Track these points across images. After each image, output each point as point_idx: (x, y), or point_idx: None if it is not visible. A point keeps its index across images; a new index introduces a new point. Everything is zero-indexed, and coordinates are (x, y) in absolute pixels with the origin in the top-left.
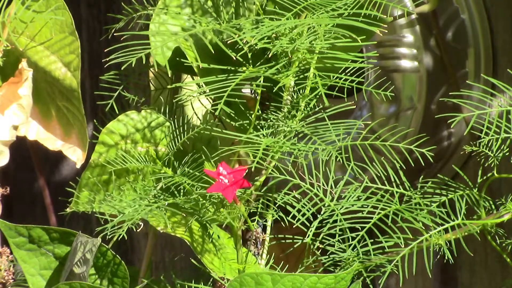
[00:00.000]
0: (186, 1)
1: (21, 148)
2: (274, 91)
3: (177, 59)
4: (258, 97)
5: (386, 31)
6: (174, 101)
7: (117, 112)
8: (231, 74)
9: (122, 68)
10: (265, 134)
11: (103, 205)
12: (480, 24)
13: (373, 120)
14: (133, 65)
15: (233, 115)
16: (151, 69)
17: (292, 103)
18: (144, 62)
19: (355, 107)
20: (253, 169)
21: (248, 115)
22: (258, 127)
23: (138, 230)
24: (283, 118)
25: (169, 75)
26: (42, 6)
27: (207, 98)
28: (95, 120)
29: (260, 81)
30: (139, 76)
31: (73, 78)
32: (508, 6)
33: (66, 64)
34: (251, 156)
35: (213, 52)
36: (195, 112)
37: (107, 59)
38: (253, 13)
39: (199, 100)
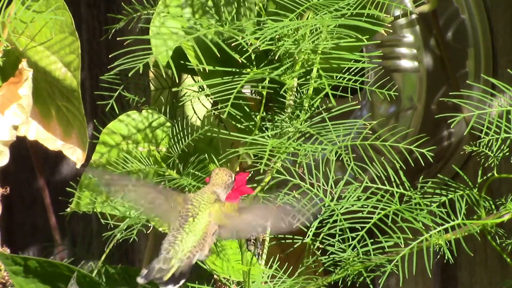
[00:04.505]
0: (187, 1)
1: (21, 148)
2: (280, 92)
3: (180, 60)
4: (264, 99)
5: (391, 30)
6: (177, 103)
7: (117, 112)
8: (235, 76)
9: (129, 74)
10: (270, 136)
11: (105, 206)
12: (480, 24)
13: (373, 120)
14: (140, 71)
15: (238, 117)
16: (151, 69)
17: (296, 104)
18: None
19: (359, 107)
20: (261, 171)
21: (252, 116)
22: (263, 128)
23: (148, 232)
24: (287, 119)
25: (172, 76)
26: (42, 6)
27: (208, 100)
28: (95, 120)
29: (265, 83)
30: (139, 76)
31: (73, 78)
32: (508, 7)
33: (66, 64)
34: (252, 156)
35: (216, 53)
36: (195, 113)
37: (111, 66)
38: (254, 13)
39: (200, 101)
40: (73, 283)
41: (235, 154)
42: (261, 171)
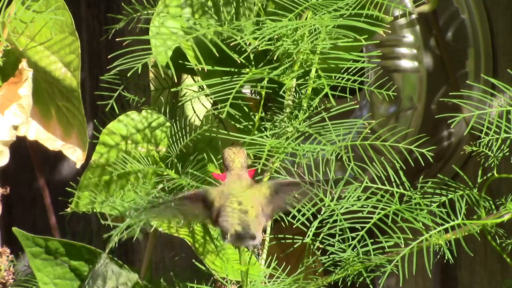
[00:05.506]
0: (186, 1)
1: (21, 148)
2: (278, 93)
3: (179, 60)
4: (262, 99)
5: (390, 31)
6: (177, 103)
7: (117, 112)
8: (234, 76)
9: (128, 74)
10: (269, 135)
11: (105, 206)
12: (480, 24)
13: (373, 120)
14: (139, 71)
15: (237, 116)
16: (151, 69)
17: (295, 104)
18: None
19: (357, 106)
20: (259, 171)
21: (251, 116)
22: (262, 128)
23: (140, 238)
24: (285, 119)
25: (171, 76)
26: (42, 6)
27: (208, 100)
28: (95, 120)
29: (264, 83)
30: (139, 76)
31: (73, 78)
32: (508, 7)
33: (66, 64)
34: (251, 156)
35: (215, 53)
36: (195, 113)
37: (111, 66)
38: (253, 13)
39: (200, 101)
40: (105, 256)
41: None
42: (259, 170)
